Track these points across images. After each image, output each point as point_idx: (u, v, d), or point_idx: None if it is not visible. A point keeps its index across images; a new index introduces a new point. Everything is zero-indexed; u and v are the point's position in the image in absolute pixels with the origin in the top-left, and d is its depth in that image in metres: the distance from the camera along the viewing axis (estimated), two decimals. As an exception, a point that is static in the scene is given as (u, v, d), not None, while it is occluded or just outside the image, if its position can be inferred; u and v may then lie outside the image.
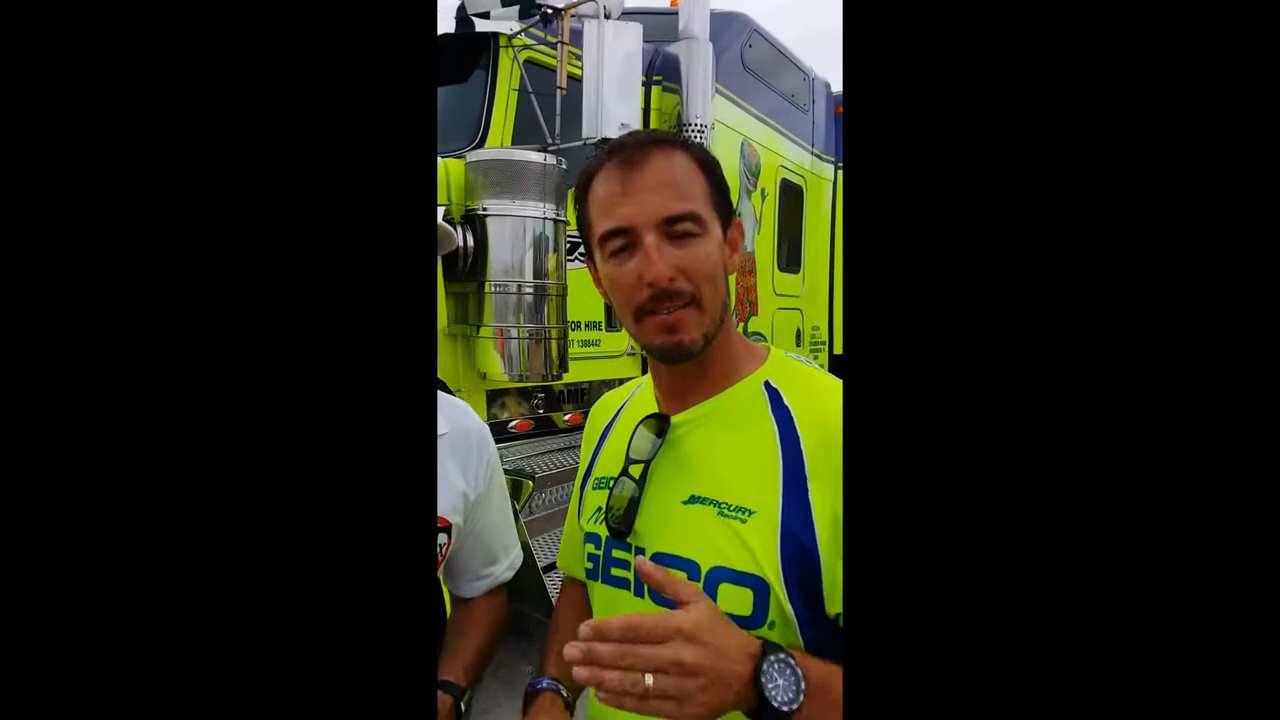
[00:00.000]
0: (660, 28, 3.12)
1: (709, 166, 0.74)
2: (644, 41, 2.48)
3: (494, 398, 2.72)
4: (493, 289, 2.26)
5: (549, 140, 2.48)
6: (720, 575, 0.68)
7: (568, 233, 2.40)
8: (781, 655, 0.57)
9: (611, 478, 0.79)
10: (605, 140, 2.26)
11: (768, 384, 0.76)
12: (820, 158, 4.94)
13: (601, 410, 0.94)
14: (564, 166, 2.36)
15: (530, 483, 2.42)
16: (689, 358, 0.72)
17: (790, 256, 4.47)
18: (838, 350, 5.21)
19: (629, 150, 0.72)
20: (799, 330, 4.63)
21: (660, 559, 0.71)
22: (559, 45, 2.45)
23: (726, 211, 0.75)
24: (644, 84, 2.80)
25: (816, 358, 4.91)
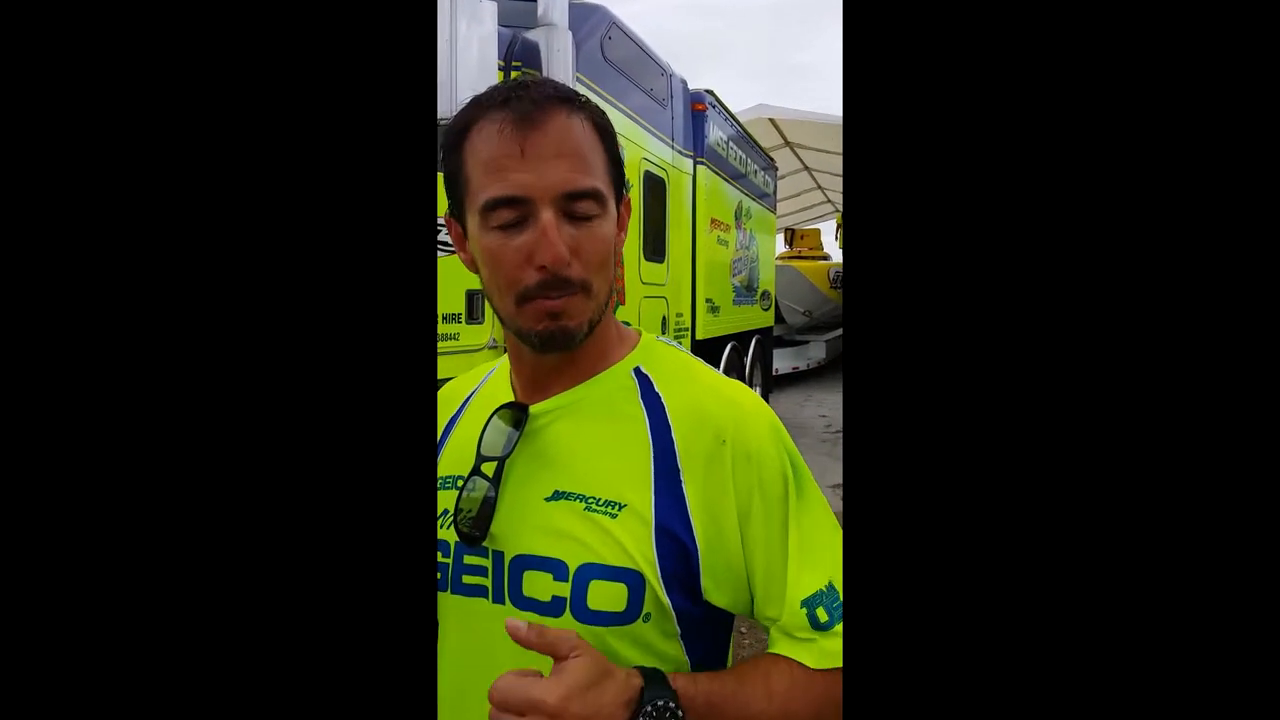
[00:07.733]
0: (519, 14, 3.08)
1: (608, 135, 0.68)
2: (503, 26, 2.43)
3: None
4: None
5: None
6: (590, 572, 0.63)
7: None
8: (660, 701, 0.56)
9: (460, 476, 0.70)
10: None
11: (638, 370, 0.71)
12: (681, 152, 5.08)
13: (446, 399, 0.84)
14: None
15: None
16: (571, 346, 0.66)
17: (655, 247, 4.57)
18: (699, 336, 5.41)
19: (527, 104, 0.62)
20: (664, 318, 4.74)
21: (522, 561, 0.66)
22: (409, 21, 2.35)
23: (621, 188, 0.69)
24: (502, 68, 2.75)
25: (682, 344, 5.05)
